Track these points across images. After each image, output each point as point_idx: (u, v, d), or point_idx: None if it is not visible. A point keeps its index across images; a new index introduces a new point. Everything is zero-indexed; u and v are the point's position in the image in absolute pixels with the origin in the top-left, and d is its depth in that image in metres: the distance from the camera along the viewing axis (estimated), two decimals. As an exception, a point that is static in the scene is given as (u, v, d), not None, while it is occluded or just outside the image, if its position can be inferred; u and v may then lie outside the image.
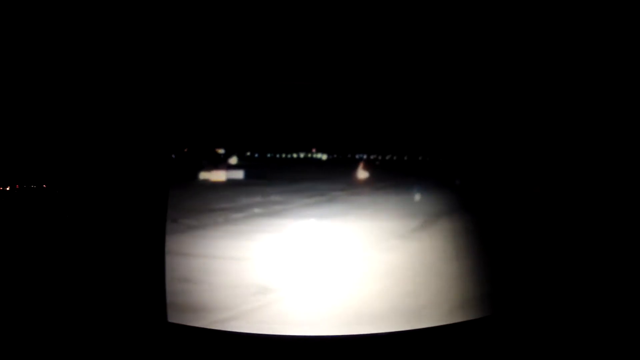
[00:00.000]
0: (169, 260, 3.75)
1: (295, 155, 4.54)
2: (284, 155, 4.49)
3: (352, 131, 4.43)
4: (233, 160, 4.32)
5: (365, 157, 4.47)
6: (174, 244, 3.87)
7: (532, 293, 3.75)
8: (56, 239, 3.66)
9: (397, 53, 4.16)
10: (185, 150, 4.09)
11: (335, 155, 4.49)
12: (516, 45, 3.92)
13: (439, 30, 3.98)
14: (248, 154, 4.39)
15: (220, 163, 4.25)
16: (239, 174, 4.28)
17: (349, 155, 4.51)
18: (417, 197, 4.40)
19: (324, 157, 4.51)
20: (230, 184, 4.23)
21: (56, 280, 3.54)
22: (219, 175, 4.21)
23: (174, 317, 3.58)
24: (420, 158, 4.58)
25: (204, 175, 4.19)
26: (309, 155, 4.50)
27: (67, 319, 3.44)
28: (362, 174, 4.43)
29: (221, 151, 4.33)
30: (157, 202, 3.67)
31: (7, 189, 3.73)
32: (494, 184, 4.30)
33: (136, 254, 3.54)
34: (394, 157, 4.59)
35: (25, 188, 3.83)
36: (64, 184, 3.83)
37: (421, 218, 4.33)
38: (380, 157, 4.55)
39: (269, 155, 4.45)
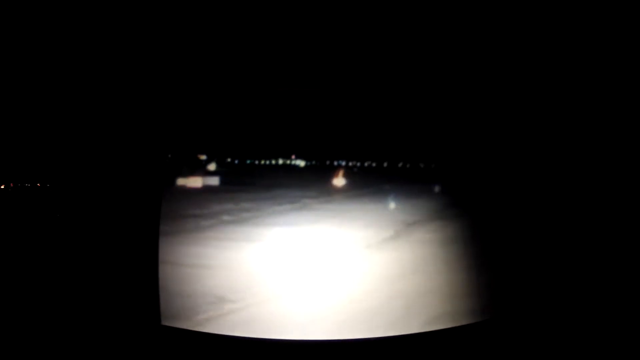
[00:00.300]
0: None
1: (274, 162, 4.53)
2: (263, 162, 4.49)
3: (331, 138, 4.39)
4: (212, 166, 4.33)
5: (343, 163, 4.43)
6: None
7: (520, 299, 3.75)
8: (51, 240, 3.70)
9: (377, 60, 4.14)
10: (170, 155, 4.09)
11: (313, 162, 4.46)
12: (495, 47, 3.89)
13: (416, 39, 3.96)
14: (229, 160, 4.39)
15: (199, 169, 4.25)
16: (214, 180, 4.28)
17: (328, 162, 4.47)
18: (392, 205, 4.31)
19: (302, 163, 4.48)
20: (205, 190, 4.23)
21: (51, 281, 3.57)
22: (195, 181, 4.20)
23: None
24: (400, 164, 4.51)
25: (180, 180, 4.20)
26: (288, 162, 4.49)
27: (61, 320, 3.47)
28: (338, 181, 4.38)
29: (203, 157, 4.33)
30: (150, 204, 3.72)
31: (2, 187, 3.78)
32: (477, 189, 4.23)
33: (130, 255, 3.58)
34: (373, 164, 4.52)
35: (19, 187, 3.85)
36: (58, 184, 3.86)
37: (393, 227, 4.24)
38: (359, 164, 4.50)
39: (248, 161, 4.45)
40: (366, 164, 4.54)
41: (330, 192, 4.38)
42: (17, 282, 3.52)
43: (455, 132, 4.29)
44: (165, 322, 3.52)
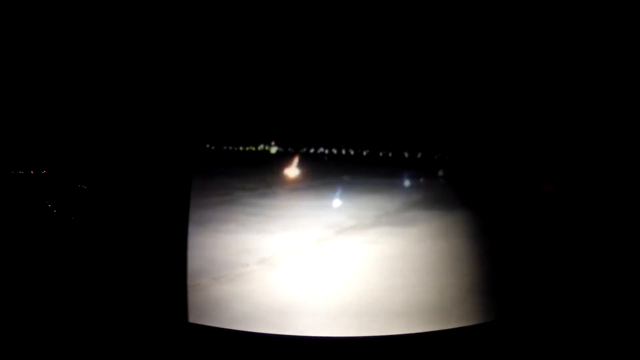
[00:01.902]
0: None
1: (248, 148, 4.22)
2: (237, 148, 4.19)
3: (309, 125, 3.95)
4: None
5: (321, 150, 4.05)
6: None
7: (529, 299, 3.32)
8: (80, 237, 3.56)
9: (356, 49, 3.59)
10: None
11: (289, 149, 4.08)
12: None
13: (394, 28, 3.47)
14: (207, 146, 4.11)
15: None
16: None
17: (304, 149, 4.06)
18: (336, 202, 3.67)
19: (273, 150, 4.13)
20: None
21: (79, 278, 3.42)
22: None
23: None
24: (381, 154, 3.99)
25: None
26: (266, 147, 4.19)
27: (89, 317, 3.27)
28: (290, 171, 3.83)
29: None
30: (179, 200, 3.40)
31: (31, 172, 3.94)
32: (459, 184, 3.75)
33: (158, 253, 3.32)
34: (352, 152, 4.09)
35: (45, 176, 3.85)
36: (88, 178, 3.74)
37: (318, 234, 3.44)
38: (335, 151, 4.09)
39: (225, 147, 4.15)
40: (344, 152, 4.09)
41: (276, 184, 3.89)
42: (44, 276, 3.40)
43: (443, 121, 3.66)
44: (193, 320, 3.24)
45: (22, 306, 3.21)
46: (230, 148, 4.14)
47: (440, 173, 3.66)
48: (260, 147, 4.16)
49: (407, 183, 3.64)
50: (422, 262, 3.14)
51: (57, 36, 3.51)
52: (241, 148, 4.18)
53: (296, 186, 3.71)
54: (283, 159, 3.90)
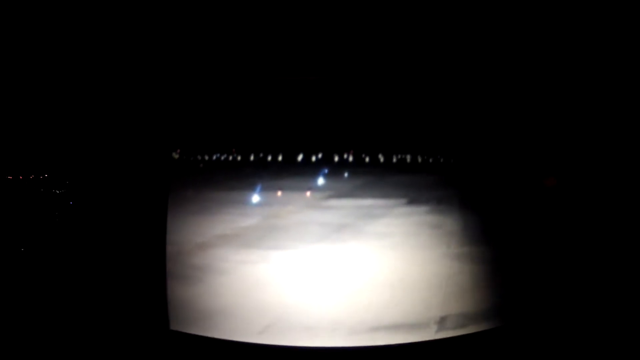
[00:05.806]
0: None
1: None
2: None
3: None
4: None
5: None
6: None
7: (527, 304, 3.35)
8: (58, 241, 3.58)
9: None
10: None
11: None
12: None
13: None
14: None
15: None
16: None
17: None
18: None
19: None
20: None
21: (57, 284, 3.46)
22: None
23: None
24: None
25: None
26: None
27: (69, 325, 3.34)
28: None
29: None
30: (157, 206, 3.41)
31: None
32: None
33: (137, 259, 3.36)
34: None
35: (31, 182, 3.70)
36: (68, 183, 3.72)
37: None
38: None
39: None
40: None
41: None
42: (26, 282, 3.47)
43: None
44: (174, 327, 3.30)
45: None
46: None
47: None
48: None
49: (256, 198, 2.92)
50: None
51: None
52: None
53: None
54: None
